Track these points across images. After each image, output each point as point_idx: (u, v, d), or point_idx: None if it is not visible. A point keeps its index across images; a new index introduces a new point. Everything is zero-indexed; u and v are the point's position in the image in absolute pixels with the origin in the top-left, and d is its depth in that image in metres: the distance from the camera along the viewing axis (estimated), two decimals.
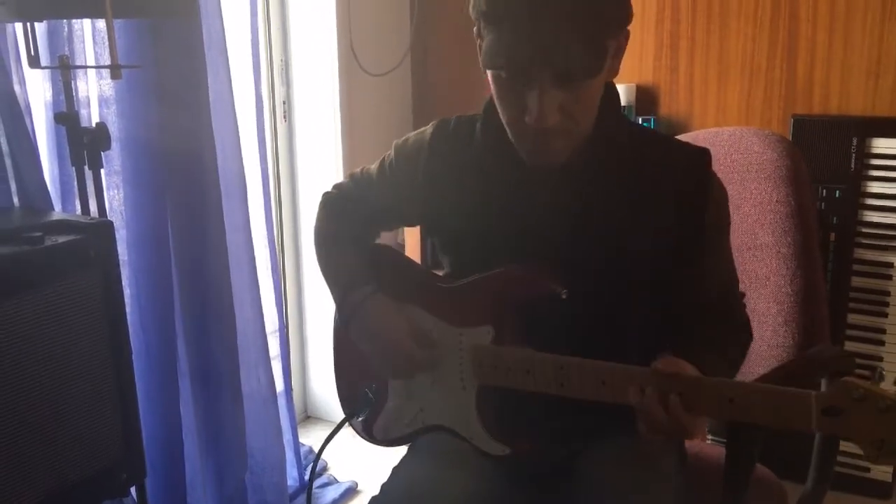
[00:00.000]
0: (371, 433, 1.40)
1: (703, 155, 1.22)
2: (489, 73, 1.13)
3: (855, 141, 2.25)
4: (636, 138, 1.25)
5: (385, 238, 1.49)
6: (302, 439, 2.61)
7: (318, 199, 1.48)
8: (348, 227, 1.43)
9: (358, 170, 1.46)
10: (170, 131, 1.86)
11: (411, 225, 1.47)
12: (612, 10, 1.08)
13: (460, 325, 1.26)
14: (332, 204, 1.46)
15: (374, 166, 1.42)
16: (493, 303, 1.24)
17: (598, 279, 1.20)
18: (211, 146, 1.94)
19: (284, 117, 2.72)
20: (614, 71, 1.15)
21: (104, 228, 1.45)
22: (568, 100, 1.09)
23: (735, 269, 1.31)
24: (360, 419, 1.39)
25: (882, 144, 2.24)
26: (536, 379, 1.17)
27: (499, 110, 1.17)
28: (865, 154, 2.25)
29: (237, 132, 2.04)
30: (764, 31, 2.41)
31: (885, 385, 0.97)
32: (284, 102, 2.71)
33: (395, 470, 1.32)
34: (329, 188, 1.49)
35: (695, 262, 1.22)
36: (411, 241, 2.67)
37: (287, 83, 2.71)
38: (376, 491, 1.27)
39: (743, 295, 1.33)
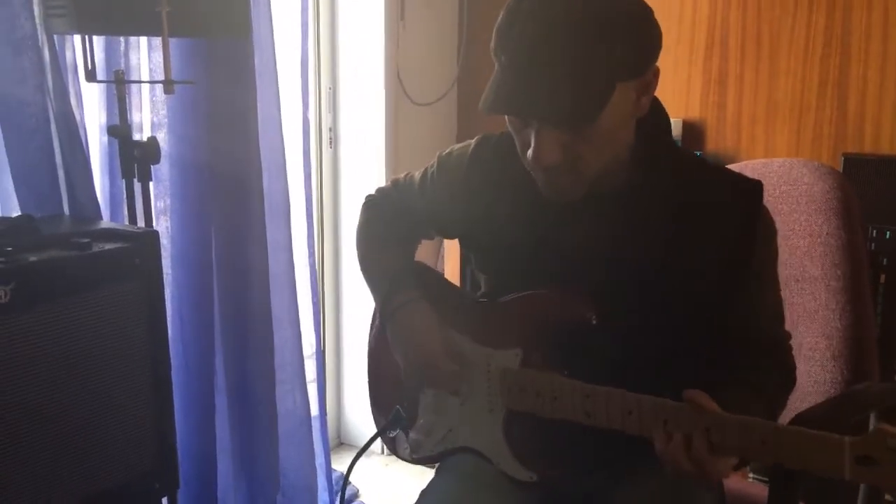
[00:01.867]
0: (403, 450, 1.39)
1: (755, 188, 1.18)
2: None
3: None
4: (685, 167, 1.21)
5: (425, 260, 1.48)
6: (334, 465, 2.59)
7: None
8: (391, 231, 1.43)
9: (402, 175, 1.45)
10: (218, 150, 1.89)
11: (450, 237, 1.46)
12: (615, 53, 1.02)
13: (490, 345, 1.25)
14: (376, 207, 1.46)
15: (417, 174, 1.41)
16: (523, 325, 1.22)
17: (633, 309, 1.16)
18: (257, 167, 1.97)
19: (330, 143, 2.75)
20: (641, 108, 1.11)
21: (150, 238, 1.47)
22: (571, 140, 1.06)
23: (782, 307, 1.25)
24: (391, 436, 1.39)
25: None
26: (563, 406, 1.14)
27: None
28: None
29: (283, 155, 2.07)
30: (814, 69, 2.39)
31: None
32: (330, 129, 2.75)
33: (423, 493, 1.30)
34: (372, 191, 1.49)
35: (741, 298, 1.17)
36: (451, 265, 2.67)
37: (334, 110, 2.75)
38: None
39: (789, 336, 1.26)
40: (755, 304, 1.19)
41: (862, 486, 1.41)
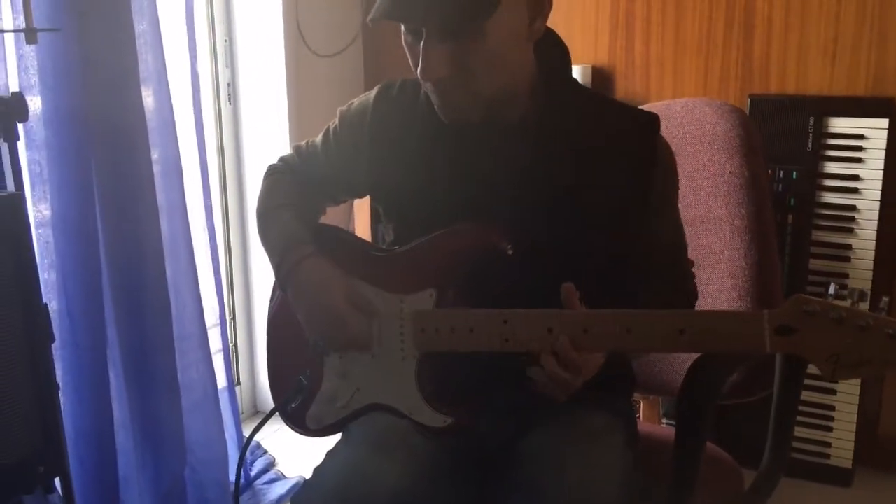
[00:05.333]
0: (304, 423, 1.31)
1: (652, 120, 1.21)
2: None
3: (812, 121, 2.21)
4: (586, 100, 1.24)
5: (336, 222, 1.42)
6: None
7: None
8: (292, 198, 1.37)
9: (303, 142, 1.42)
10: (97, 108, 1.75)
11: (359, 194, 1.43)
12: None
13: (402, 291, 1.21)
14: (276, 176, 1.41)
15: (319, 137, 1.39)
16: (435, 265, 1.20)
17: (544, 240, 1.17)
18: (142, 124, 1.84)
19: (229, 100, 2.62)
20: (535, 31, 1.13)
21: (13, 201, 1.34)
22: (459, 52, 1.08)
23: (684, 236, 1.28)
24: (292, 406, 1.31)
25: (839, 124, 2.20)
26: (480, 337, 1.13)
27: None
28: (822, 134, 2.21)
29: (172, 112, 1.93)
30: (720, 9, 2.36)
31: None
32: (229, 84, 2.61)
33: (330, 454, 1.24)
34: (275, 161, 1.44)
35: (643, 226, 1.19)
36: (361, 226, 2.59)
37: (232, 64, 2.61)
38: None
39: (692, 263, 1.29)
40: (658, 231, 1.22)
41: (771, 426, 1.41)
